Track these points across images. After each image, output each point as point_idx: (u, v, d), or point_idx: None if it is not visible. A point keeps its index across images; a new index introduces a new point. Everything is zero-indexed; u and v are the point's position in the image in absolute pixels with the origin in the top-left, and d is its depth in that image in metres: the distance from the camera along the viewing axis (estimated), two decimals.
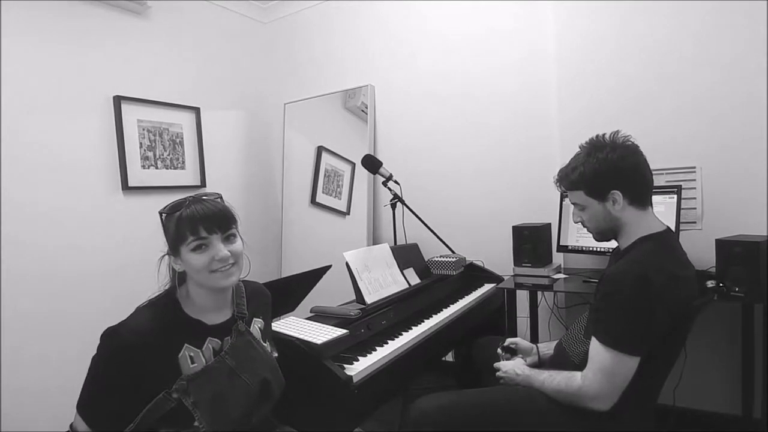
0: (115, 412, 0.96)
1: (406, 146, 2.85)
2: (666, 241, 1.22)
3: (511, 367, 1.38)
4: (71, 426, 0.98)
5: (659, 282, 1.08)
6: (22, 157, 2.11)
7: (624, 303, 1.10)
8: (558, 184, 1.34)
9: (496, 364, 1.44)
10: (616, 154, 1.20)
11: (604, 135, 1.25)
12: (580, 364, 1.21)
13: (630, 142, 1.24)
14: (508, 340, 1.56)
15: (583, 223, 1.32)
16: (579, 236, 2.08)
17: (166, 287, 1.09)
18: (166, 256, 1.05)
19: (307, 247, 3.25)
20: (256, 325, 1.17)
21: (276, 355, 1.20)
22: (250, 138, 3.35)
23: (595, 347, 1.13)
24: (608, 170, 1.20)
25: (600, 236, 1.31)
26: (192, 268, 1.02)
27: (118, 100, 2.46)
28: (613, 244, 1.35)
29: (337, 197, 3.10)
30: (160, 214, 1.06)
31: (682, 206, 1.85)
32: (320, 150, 3.18)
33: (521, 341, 1.56)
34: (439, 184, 2.75)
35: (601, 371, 1.11)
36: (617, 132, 1.25)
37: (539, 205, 2.40)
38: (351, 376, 1.29)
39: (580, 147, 1.29)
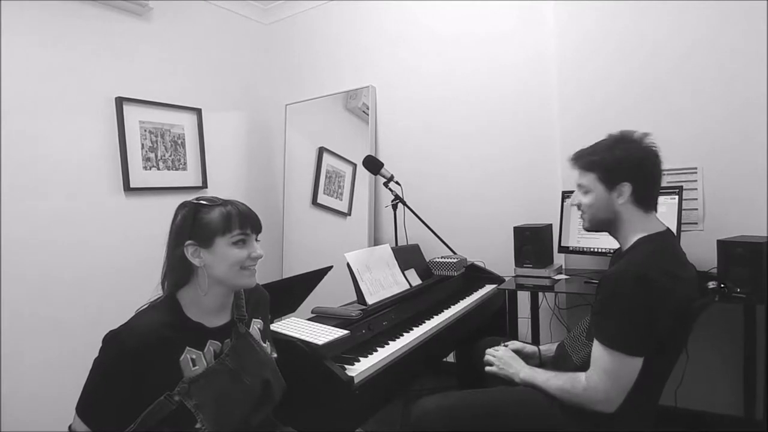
0: (115, 414, 0.96)
1: (408, 147, 2.86)
2: (666, 241, 1.22)
3: (511, 358, 1.38)
4: (70, 427, 0.98)
5: (659, 282, 1.08)
6: (23, 159, 2.11)
7: (625, 304, 1.10)
8: (573, 162, 1.32)
9: (489, 350, 1.45)
10: (641, 151, 1.21)
11: (635, 132, 1.24)
12: (582, 366, 1.21)
13: (655, 147, 1.23)
14: (510, 346, 1.54)
15: (579, 207, 1.31)
16: (580, 237, 2.08)
17: (167, 291, 1.08)
18: (189, 247, 1.02)
19: (308, 248, 3.25)
20: (256, 326, 1.18)
21: (275, 355, 1.20)
22: (251, 139, 3.36)
23: (598, 349, 1.13)
24: (628, 162, 1.20)
25: (592, 225, 1.30)
26: (227, 261, 1.03)
27: (119, 102, 2.46)
28: (614, 244, 1.35)
29: (338, 198, 3.10)
30: (194, 204, 1.05)
31: (683, 207, 1.85)
32: (321, 151, 3.19)
33: (525, 346, 1.55)
34: (440, 184, 2.75)
35: (605, 373, 1.10)
36: (648, 134, 1.24)
37: (540, 206, 2.41)
38: (352, 377, 1.29)
39: (608, 136, 1.28)
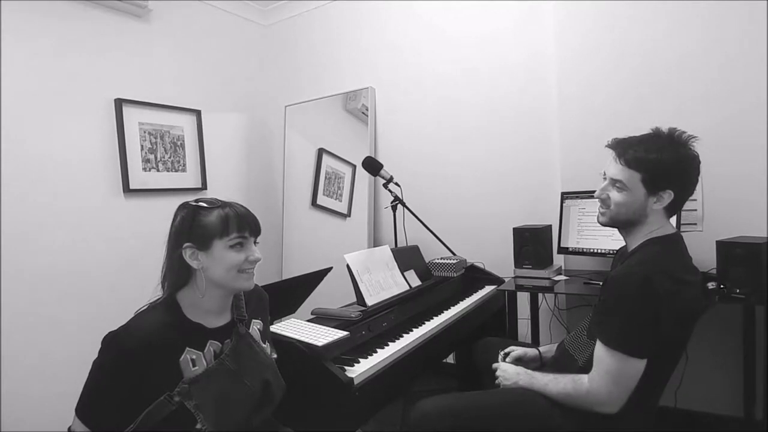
0: (115, 415, 0.96)
1: (407, 148, 2.86)
2: (673, 244, 1.21)
3: (513, 371, 1.35)
4: (69, 429, 0.98)
5: (663, 284, 1.08)
6: (23, 160, 2.12)
7: (629, 305, 1.09)
8: (616, 152, 1.20)
9: (495, 365, 1.42)
10: (690, 159, 1.16)
11: (683, 133, 1.16)
12: (584, 366, 1.21)
13: (698, 153, 1.18)
14: (513, 354, 1.52)
15: (604, 201, 1.24)
16: (580, 238, 2.08)
17: (167, 292, 1.08)
18: (187, 249, 1.02)
19: (307, 249, 3.25)
20: (255, 326, 1.18)
21: (275, 356, 1.20)
22: (251, 140, 3.36)
23: (601, 350, 1.12)
24: (677, 170, 1.14)
25: (613, 222, 1.24)
26: (224, 264, 1.03)
27: (119, 103, 2.47)
28: (613, 245, 1.35)
29: (337, 199, 3.10)
30: (193, 206, 1.05)
31: (682, 207, 1.84)
32: (321, 152, 3.19)
33: (527, 351, 1.52)
34: (440, 185, 2.75)
35: (608, 374, 1.10)
36: (696, 138, 1.17)
37: (540, 207, 2.41)
38: (352, 378, 1.29)
39: (653, 130, 1.19)
